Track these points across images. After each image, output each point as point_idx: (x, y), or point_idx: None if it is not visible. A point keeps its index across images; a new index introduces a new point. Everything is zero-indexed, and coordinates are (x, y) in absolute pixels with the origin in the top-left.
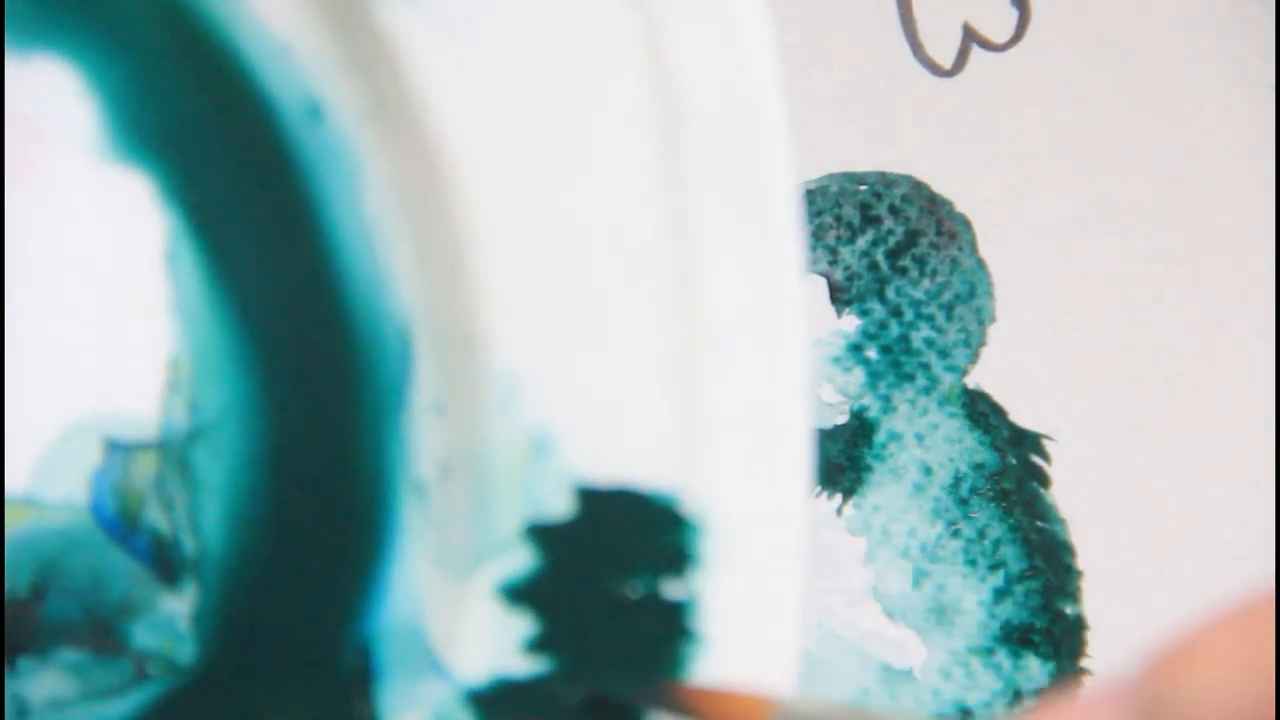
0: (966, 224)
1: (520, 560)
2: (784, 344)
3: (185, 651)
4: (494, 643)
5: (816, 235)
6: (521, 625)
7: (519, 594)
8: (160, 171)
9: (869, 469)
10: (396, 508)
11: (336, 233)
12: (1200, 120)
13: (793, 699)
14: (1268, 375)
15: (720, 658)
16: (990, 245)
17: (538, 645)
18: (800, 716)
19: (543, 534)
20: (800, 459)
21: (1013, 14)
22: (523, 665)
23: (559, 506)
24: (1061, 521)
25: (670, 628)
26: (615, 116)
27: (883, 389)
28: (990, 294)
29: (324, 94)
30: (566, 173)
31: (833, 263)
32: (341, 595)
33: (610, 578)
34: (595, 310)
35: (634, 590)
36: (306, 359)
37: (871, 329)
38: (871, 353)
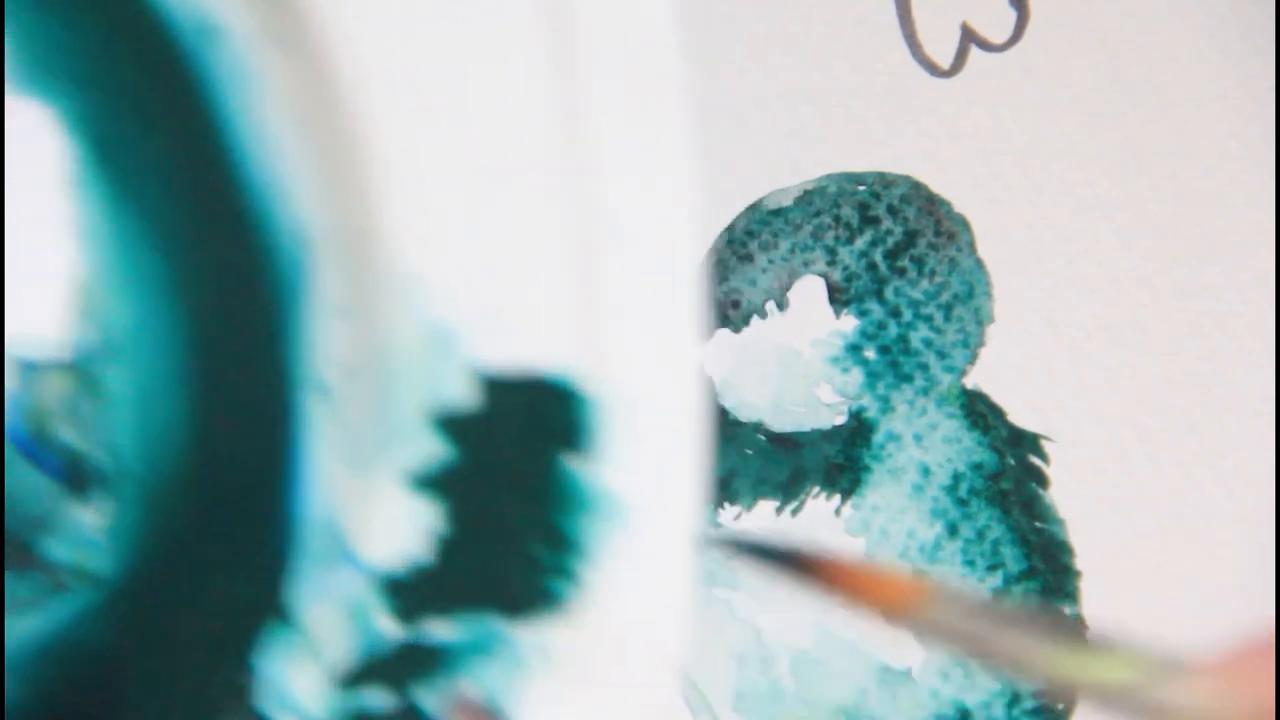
0: (965, 224)
1: (427, 450)
2: (675, 231)
3: (102, 563)
4: (405, 532)
5: (815, 236)
6: (431, 513)
7: (428, 483)
8: (63, 100)
9: (867, 469)
10: (304, 410)
11: (237, 147)
12: (1200, 120)
13: (949, 588)
14: (1268, 375)
15: (623, 529)
16: (989, 245)
17: (448, 531)
18: (956, 606)
19: (448, 423)
20: (690, 339)
21: (1011, 14)
22: (433, 551)
23: (462, 395)
24: (1060, 522)
25: (576, 505)
26: (507, 16)
27: (881, 389)
28: (989, 294)
29: (219, 14)
30: (460, 74)
31: (831, 263)
32: (254, 499)
33: (516, 460)
34: (493, 207)
35: (539, 469)
36: (212, 273)
37: (870, 329)
38: (870, 353)
